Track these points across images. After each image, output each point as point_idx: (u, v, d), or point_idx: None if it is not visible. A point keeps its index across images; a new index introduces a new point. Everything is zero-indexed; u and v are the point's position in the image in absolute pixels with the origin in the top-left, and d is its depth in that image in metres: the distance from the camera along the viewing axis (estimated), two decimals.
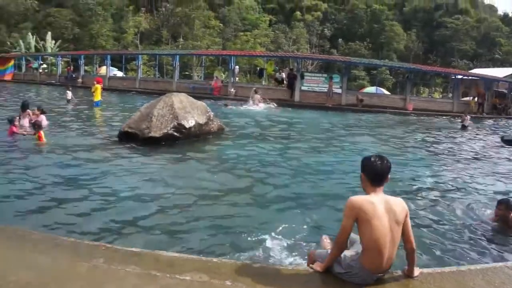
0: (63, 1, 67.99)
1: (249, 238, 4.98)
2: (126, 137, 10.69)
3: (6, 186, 6.59)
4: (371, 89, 34.28)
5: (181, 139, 10.70)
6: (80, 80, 36.29)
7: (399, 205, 2.98)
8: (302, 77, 26.46)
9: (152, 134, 10.25)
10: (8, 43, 54.75)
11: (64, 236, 3.94)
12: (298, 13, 65.16)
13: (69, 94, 21.27)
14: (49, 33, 53.03)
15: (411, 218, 3.07)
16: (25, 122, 12.45)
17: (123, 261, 3.11)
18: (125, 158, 9.01)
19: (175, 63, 31.89)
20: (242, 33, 57.54)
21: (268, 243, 4.79)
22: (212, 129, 11.94)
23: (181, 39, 57.18)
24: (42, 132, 10.02)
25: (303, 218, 5.71)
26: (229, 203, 6.27)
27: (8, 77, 44.00)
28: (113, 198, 6.25)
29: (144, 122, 10.57)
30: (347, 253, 3.09)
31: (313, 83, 26.38)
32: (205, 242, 4.85)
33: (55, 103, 21.31)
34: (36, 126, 10.12)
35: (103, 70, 39.11)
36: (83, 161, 8.47)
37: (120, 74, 39.97)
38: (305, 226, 5.43)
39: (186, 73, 44.74)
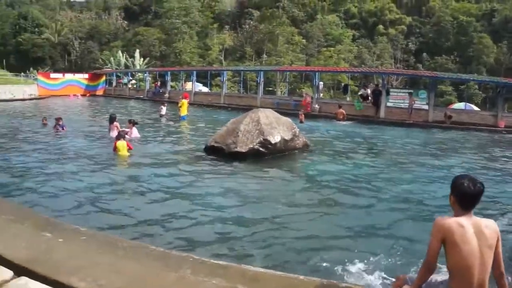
0: (150, 20, 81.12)
1: (333, 258, 5.46)
2: (212, 151, 12.22)
3: (98, 195, 8.03)
4: (459, 105, 35.06)
5: (267, 155, 11.85)
6: (166, 95, 42.38)
7: (491, 227, 3.08)
8: (388, 93, 28.42)
9: (238, 149, 11.54)
10: (100, 60, 66.87)
11: (153, 245, 4.37)
12: (381, 26, 68.52)
13: (164, 109, 24.92)
14: (138, 50, 62.73)
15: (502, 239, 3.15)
16: (113, 134, 14.70)
17: (210, 273, 3.56)
18: (211, 172, 10.30)
19: (259, 79, 35.65)
20: (325, 49, 62.67)
21: (354, 264, 5.27)
22: (297, 145, 13.05)
23: (264, 55, 63.63)
24: (120, 143, 11.78)
25: (389, 240, 6.22)
26: (313, 220, 6.98)
27: (100, 91, 53.69)
28: (198, 211, 7.24)
29: (230, 137, 11.97)
30: (437, 277, 3.29)
31: (399, 99, 28.53)
32: (287, 258, 5.39)
33: (149, 117, 25.34)
34: (121, 136, 12.05)
35: (189, 85, 45.10)
36: (171, 174, 9.92)
37: (205, 89, 45.80)
38: (391, 249, 5.84)
39: (270, 88, 49.59)
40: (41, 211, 6.21)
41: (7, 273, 3.53)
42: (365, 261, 5.35)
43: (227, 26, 74.23)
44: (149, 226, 6.56)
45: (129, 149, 11.83)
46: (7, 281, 3.41)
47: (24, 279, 3.44)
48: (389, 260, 5.47)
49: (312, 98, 30.86)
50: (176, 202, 7.76)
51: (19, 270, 3.55)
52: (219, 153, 11.89)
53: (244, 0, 78.45)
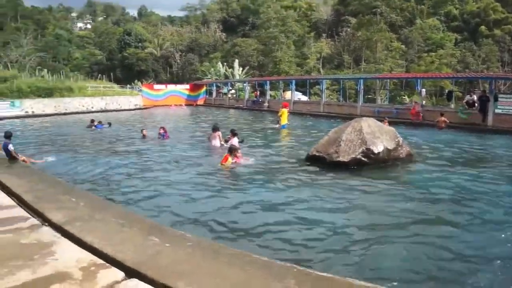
0: (248, 32, 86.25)
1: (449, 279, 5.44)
2: (314, 161, 12.54)
3: (203, 204, 8.48)
4: None
5: (369, 165, 11.90)
6: (266, 104, 44.77)
7: None
8: (496, 99, 26.99)
9: (340, 158, 11.78)
10: (201, 71, 73.06)
11: (256, 253, 4.57)
12: (483, 27, 66.42)
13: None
14: (236, 61, 67.34)
15: None
16: (216, 142, 15.92)
17: (315, 285, 3.66)
18: (313, 182, 10.53)
19: (359, 87, 35.64)
20: (426, 54, 62.14)
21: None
22: (400, 155, 12.92)
23: (363, 63, 65.01)
24: (230, 159, 12.09)
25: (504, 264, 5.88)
26: (417, 238, 6.72)
27: (200, 101, 58.87)
28: (300, 222, 7.39)
29: (332, 147, 12.24)
30: None
31: (509, 106, 26.78)
32: (391, 276, 5.42)
33: (248, 126, 26.54)
34: (233, 150, 12.30)
35: (288, 94, 46.99)
36: (272, 184, 10.24)
37: (304, 98, 47.51)
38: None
39: (369, 96, 50.63)
40: (146, 216, 6.61)
41: (119, 274, 3.92)
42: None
43: (324, 34, 77.08)
44: (250, 234, 6.83)
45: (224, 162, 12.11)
46: (118, 282, 3.79)
47: (135, 281, 3.81)
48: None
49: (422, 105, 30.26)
50: (278, 212, 8.00)
51: (130, 272, 3.95)
52: (321, 163, 12.19)
53: (340, 8, 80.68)
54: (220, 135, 16.30)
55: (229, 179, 11.02)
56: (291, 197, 9.02)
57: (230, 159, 11.99)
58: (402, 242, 6.50)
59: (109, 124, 26.19)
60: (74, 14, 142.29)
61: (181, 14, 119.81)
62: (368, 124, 12.74)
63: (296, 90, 46.86)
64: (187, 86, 60.18)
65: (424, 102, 33.97)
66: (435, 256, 6.04)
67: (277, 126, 24.50)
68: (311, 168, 12.09)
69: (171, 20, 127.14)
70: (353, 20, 71.50)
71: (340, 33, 72.74)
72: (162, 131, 19.29)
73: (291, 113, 29.26)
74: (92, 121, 25.50)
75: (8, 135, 11.98)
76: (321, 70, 69.54)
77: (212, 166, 12.65)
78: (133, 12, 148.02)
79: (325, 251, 6.15)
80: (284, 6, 78.64)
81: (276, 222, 7.41)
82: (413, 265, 5.79)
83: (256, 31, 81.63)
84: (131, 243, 4.63)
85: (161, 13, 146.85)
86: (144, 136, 19.42)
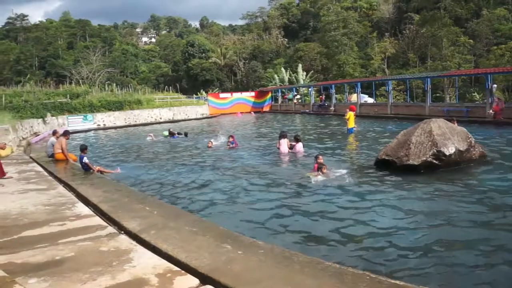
0: (310, 36, 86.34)
1: None
2: (383, 165, 12.22)
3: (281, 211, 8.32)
4: None
5: (440, 167, 11.49)
6: (332, 108, 44.49)
7: None
8: None
9: (411, 162, 11.42)
10: (265, 78, 73.65)
11: (328, 261, 4.51)
12: None
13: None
14: (300, 65, 67.61)
15: None
16: (284, 149, 15.97)
17: None
18: (383, 186, 10.30)
19: (426, 86, 34.46)
20: (495, 47, 58.18)
21: None
22: (473, 157, 12.40)
23: (429, 60, 63.25)
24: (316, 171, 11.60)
25: None
26: (500, 247, 6.30)
27: (266, 108, 59.48)
28: (369, 227, 7.26)
29: (401, 150, 11.88)
30: None
31: None
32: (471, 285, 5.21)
33: (315, 131, 26.67)
34: (322, 167, 11.53)
35: (354, 97, 46.69)
36: (341, 189, 10.03)
37: (370, 100, 46.52)
38: None
39: (437, 95, 49.58)
40: (217, 223, 6.45)
41: (194, 280, 4.03)
42: None
43: (387, 34, 75.68)
44: (321, 241, 6.74)
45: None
46: None
47: None
48: None
49: (493, 101, 28.27)
50: (347, 218, 7.84)
51: (204, 279, 4.05)
52: (390, 167, 11.86)
53: (402, 5, 78.87)
54: (288, 141, 16.29)
55: (298, 186, 10.70)
56: (360, 202, 8.89)
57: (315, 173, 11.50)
58: (480, 253, 6.07)
59: (185, 134, 26.86)
60: (138, 30, 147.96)
61: (242, 22, 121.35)
62: (438, 125, 12.29)
63: (362, 92, 46.31)
64: (253, 93, 61.13)
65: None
66: None
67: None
68: (381, 173, 11.83)
69: (232, 29, 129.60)
70: (416, 17, 69.90)
71: (404, 31, 70.92)
72: (231, 139, 19.50)
73: (358, 116, 28.80)
74: (170, 131, 26.48)
75: (83, 148, 12.60)
76: (386, 70, 68.40)
77: (281, 173, 12.65)
78: (195, 24, 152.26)
79: (396, 258, 5.96)
80: (345, 7, 77.60)
81: (345, 228, 7.30)
82: (491, 278, 5.40)
83: (317, 35, 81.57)
84: (204, 250, 4.70)
85: (222, 22, 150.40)
86: (209, 147, 19.53)
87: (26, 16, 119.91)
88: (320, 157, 12.03)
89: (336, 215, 8.12)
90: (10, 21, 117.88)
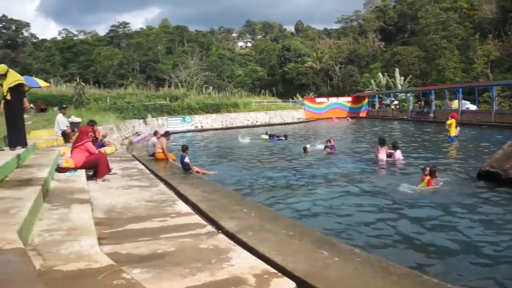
0: (407, 39, 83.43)
1: None
2: (486, 177, 11.51)
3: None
4: None
5: None
6: (431, 115, 43.09)
7: None
8: None
9: None
10: (361, 83, 72.56)
11: (426, 274, 4.35)
12: None
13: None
14: (397, 70, 65.63)
15: None
16: (383, 156, 15.66)
17: None
18: (486, 199, 9.76)
19: None
20: None
21: None
22: None
23: None
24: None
25: None
26: None
27: (363, 114, 58.68)
28: (470, 243, 6.96)
29: (508, 162, 11.14)
30: None
31: None
32: None
33: (414, 139, 26.16)
34: (434, 172, 11.03)
35: (455, 104, 43.86)
36: (441, 201, 9.57)
37: (473, 107, 44.13)
38: None
39: None
40: (313, 227, 6.39)
41: (290, 283, 4.02)
42: None
43: (490, 35, 70.78)
44: (419, 254, 6.50)
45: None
46: None
47: None
48: None
49: None
50: (447, 232, 7.50)
51: (300, 283, 4.04)
52: (495, 179, 11.14)
53: (506, 4, 73.67)
54: (387, 148, 15.98)
55: (397, 195, 10.45)
56: (462, 216, 8.51)
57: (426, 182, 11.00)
58: None
59: (285, 136, 27.08)
60: (234, 35, 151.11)
61: (337, 26, 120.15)
62: None
63: (463, 98, 44.14)
64: (349, 99, 60.82)
65: None
66: None
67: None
68: (484, 185, 11.23)
69: (327, 33, 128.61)
70: None
71: (509, 32, 66.23)
72: (329, 143, 19.45)
73: (460, 123, 27.79)
74: (269, 134, 26.76)
75: (184, 149, 13.10)
76: (490, 75, 64.09)
77: (379, 181, 12.43)
78: (290, 28, 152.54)
79: (501, 279, 5.60)
80: (444, 8, 74.00)
81: (444, 240, 7.05)
82: None
83: (415, 38, 78.73)
84: (301, 254, 4.69)
85: (317, 26, 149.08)
86: (306, 151, 19.41)
87: (128, 23, 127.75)
88: (428, 169, 11.28)
89: (435, 227, 7.88)
90: (114, 28, 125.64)
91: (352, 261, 4.53)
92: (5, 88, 9.76)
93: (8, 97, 9.76)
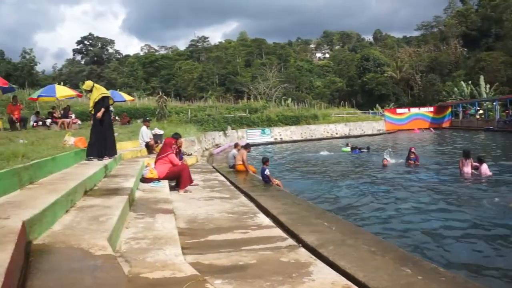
0: (492, 44, 79.70)
1: None
2: None
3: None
4: None
5: None
6: None
7: None
8: None
9: None
10: (443, 92, 69.84)
11: None
12: None
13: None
14: (482, 77, 62.48)
15: None
16: (468, 170, 14.90)
17: None
18: None
19: None
20: None
21: None
22: None
23: None
24: None
25: None
26: None
27: (446, 124, 56.52)
28: None
29: None
30: None
31: None
32: None
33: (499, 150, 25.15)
34: None
35: None
36: None
37: None
38: None
39: None
40: (393, 243, 6.22)
41: None
42: None
43: None
44: (507, 275, 6.15)
45: None
46: None
47: None
48: None
49: None
50: None
51: None
52: None
53: None
54: (472, 161, 15.07)
55: (484, 211, 9.84)
56: None
57: None
58: None
59: (368, 148, 26.74)
60: (312, 46, 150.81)
61: (417, 33, 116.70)
62: None
63: None
64: (431, 109, 59.02)
65: None
66: None
67: None
68: None
69: (407, 41, 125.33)
70: None
71: None
72: (413, 155, 18.83)
73: None
74: (351, 146, 26.60)
75: (264, 161, 13.19)
76: None
77: (465, 196, 11.87)
78: (368, 37, 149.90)
79: None
80: None
81: None
82: None
83: (501, 42, 75.12)
84: (383, 271, 4.57)
85: (396, 35, 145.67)
86: (384, 165, 19.03)
87: (207, 38, 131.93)
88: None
89: None
90: (193, 43, 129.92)
91: (436, 281, 4.35)
92: (91, 102, 10.36)
93: (95, 111, 10.36)
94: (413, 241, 7.83)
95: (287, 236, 6.12)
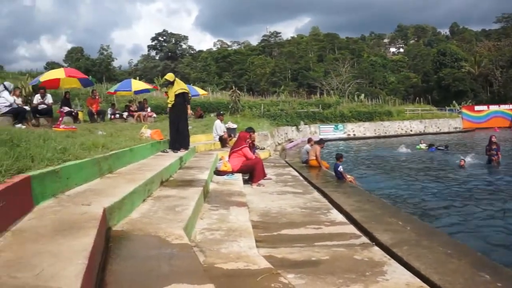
0: None
1: None
2: None
3: None
4: None
5: None
6: None
7: None
8: None
9: None
10: None
11: None
12: None
13: None
14: None
15: None
16: None
17: None
18: None
19: None
20: None
21: None
22: None
23: None
24: None
25: None
26: None
27: None
28: None
29: None
30: None
31: None
32: None
33: None
34: None
35: None
36: None
37: None
38: None
39: None
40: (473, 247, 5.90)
41: None
42: None
43: None
44: None
45: None
46: None
47: None
48: None
49: None
50: None
51: None
52: None
53: None
54: None
55: None
56: None
57: None
58: None
59: (446, 147, 25.95)
60: (386, 40, 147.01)
61: (497, 26, 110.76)
62: None
63: None
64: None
65: None
66: None
67: None
68: None
69: (486, 34, 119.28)
70: None
71: None
72: (494, 145, 18.12)
73: None
74: (422, 142, 25.86)
75: (338, 157, 13.07)
76: None
77: None
78: (445, 31, 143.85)
79: None
80: None
81: None
82: None
83: None
84: (459, 275, 4.36)
85: (474, 28, 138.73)
86: (462, 166, 18.35)
87: (279, 33, 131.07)
88: None
89: None
90: (265, 38, 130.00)
91: None
92: (171, 94, 10.72)
93: (173, 103, 10.70)
94: (492, 246, 7.48)
95: (360, 234, 6.03)
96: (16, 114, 12.71)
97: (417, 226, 6.53)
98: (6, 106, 12.83)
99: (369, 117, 46.06)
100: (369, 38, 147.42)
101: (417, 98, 69.12)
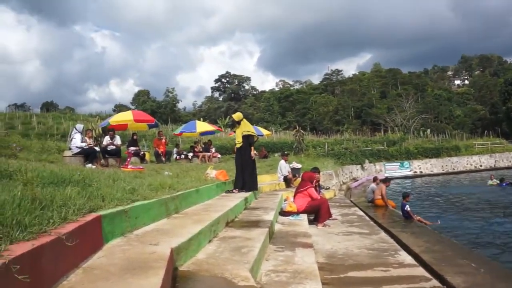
0: None
1: None
2: None
3: None
4: None
5: None
6: None
7: None
8: None
9: None
10: None
11: None
12: None
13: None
14: None
15: None
16: None
17: None
18: None
19: None
20: None
21: None
22: None
23: None
24: None
25: None
26: None
27: None
28: None
29: None
30: None
31: None
32: None
33: None
34: None
35: None
36: None
37: None
38: None
39: None
40: None
41: None
42: None
43: None
44: None
45: None
46: None
47: None
48: None
49: None
50: None
51: None
52: None
53: None
54: None
55: None
56: None
57: None
58: None
59: None
60: (449, 73, 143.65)
61: None
62: None
63: None
64: None
65: None
66: None
67: None
68: None
69: None
70: None
71: None
72: None
73: None
74: (492, 177, 25.01)
75: (405, 196, 12.79)
76: None
77: None
78: (511, 59, 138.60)
79: None
80: None
81: None
82: None
83: None
84: None
85: None
86: None
87: (341, 71, 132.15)
88: None
89: None
90: (327, 76, 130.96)
91: None
92: (238, 134, 10.88)
93: (240, 144, 10.85)
94: None
95: (430, 277, 5.81)
96: (87, 155, 13.28)
97: (491, 268, 6.25)
98: (77, 147, 13.44)
99: (435, 153, 44.77)
100: (432, 71, 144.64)
101: (486, 131, 66.59)
